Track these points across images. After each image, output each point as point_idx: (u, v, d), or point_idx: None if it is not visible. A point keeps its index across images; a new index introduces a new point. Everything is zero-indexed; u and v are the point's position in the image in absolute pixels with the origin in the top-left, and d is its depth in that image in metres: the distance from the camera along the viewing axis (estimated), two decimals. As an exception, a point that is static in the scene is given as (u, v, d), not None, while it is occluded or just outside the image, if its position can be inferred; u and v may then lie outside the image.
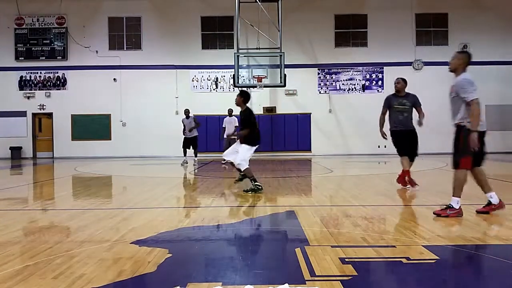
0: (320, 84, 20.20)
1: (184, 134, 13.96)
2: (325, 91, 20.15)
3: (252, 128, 6.90)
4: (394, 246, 3.46)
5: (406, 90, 7.30)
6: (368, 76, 20.15)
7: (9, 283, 2.64)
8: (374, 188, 7.87)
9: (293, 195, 6.70)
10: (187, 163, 13.77)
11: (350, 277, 2.70)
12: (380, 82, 20.05)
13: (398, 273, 2.90)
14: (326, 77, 20.20)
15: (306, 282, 2.63)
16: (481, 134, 4.53)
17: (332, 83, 20.20)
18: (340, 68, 20.17)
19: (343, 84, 20.19)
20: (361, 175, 10.42)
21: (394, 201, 6.02)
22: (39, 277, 2.75)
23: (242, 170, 6.93)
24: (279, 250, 3.64)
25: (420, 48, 19.94)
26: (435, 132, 19.54)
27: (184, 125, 13.90)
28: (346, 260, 3.06)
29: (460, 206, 4.58)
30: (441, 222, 4.38)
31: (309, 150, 19.84)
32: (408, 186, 7.09)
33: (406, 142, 7.12)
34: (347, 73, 20.19)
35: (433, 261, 3.08)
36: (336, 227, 4.26)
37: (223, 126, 13.89)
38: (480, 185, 4.72)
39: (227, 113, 14.15)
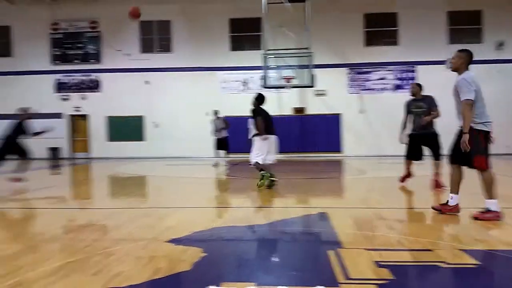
0: (350, 84, 19.96)
1: (215, 135, 14.07)
2: (356, 91, 19.90)
3: (261, 119, 7.60)
4: (430, 250, 3.38)
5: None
6: (399, 75, 19.76)
7: (52, 278, 2.74)
8: (408, 190, 7.71)
9: (325, 197, 6.66)
10: (219, 164, 13.88)
11: (386, 281, 2.66)
12: (412, 81, 19.62)
13: (435, 277, 2.84)
14: (356, 77, 19.94)
15: (340, 285, 2.61)
16: (488, 134, 4.51)
17: (362, 83, 19.91)
18: (371, 68, 19.86)
19: (374, 83, 19.87)
20: (394, 177, 10.22)
21: (430, 204, 5.87)
22: (79, 274, 2.85)
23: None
24: (312, 252, 3.61)
25: (453, 46, 19.31)
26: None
27: (214, 126, 14.02)
28: (382, 263, 3.01)
29: (457, 204, 4.69)
30: (479, 225, 4.25)
31: (340, 151, 19.62)
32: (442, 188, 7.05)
33: (419, 147, 7.42)
34: (378, 72, 19.85)
35: (472, 266, 2.99)
36: (370, 229, 4.19)
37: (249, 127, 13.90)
38: (451, 182, 4.77)
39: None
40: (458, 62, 4.75)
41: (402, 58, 19.60)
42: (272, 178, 7.47)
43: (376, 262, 3.04)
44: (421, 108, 7.37)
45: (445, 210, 4.77)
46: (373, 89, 19.84)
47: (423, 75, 19.51)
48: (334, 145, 19.60)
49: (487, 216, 4.42)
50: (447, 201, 4.81)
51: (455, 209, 4.75)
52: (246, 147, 18.71)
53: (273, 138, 7.72)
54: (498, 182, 4.57)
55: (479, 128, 4.49)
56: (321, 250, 3.68)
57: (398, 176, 8.21)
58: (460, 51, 4.82)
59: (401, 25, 19.69)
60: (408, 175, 7.78)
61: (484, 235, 3.85)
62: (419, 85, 7.65)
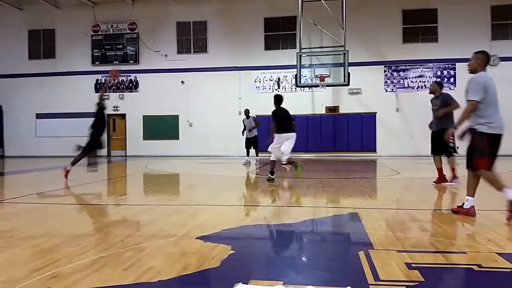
0: (386, 82, 19.55)
1: (244, 134, 14.16)
2: (392, 89, 19.47)
3: (276, 120, 8.44)
4: (464, 253, 3.27)
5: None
6: (439, 73, 19.17)
7: (85, 272, 2.84)
8: (444, 191, 7.48)
9: (357, 197, 6.55)
10: (249, 162, 13.94)
11: (416, 283, 2.59)
12: (452, 79, 18.99)
13: (468, 280, 2.74)
14: (393, 75, 19.51)
15: (370, 286, 2.56)
16: (496, 137, 4.52)
17: (399, 81, 19.46)
18: (409, 65, 19.38)
19: (411, 81, 19.38)
20: (430, 178, 9.94)
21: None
22: (111, 268, 2.93)
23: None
24: (342, 253, 3.57)
25: (496, 42, 18.60)
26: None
27: (244, 125, 14.08)
28: (413, 265, 2.94)
29: (473, 207, 4.70)
30: (519, 229, 4.07)
31: (374, 150, 19.27)
32: (451, 182, 7.48)
33: (436, 143, 7.60)
34: (416, 70, 19.35)
35: (508, 270, 2.87)
36: (403, 231, 4.10)
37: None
38: (467, 185, 4.76)
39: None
40: (475, 64, 4.77)
41: (441, 55, 19.02)
42: (271, 178, 8.45)
43: (407, 264, 2.97)
44: (436, 105, 7.64)
45: (462, 213, 4.76)
46: (410, 87, 19.35)
47: (463, 72, 18.83)
48: (368, 144, 19.27)
49: (460, 210, 4.77)
50: (463, 203, 4.81)
51: (470, 211, 4.71)
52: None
53: (287, 136, 8.42)
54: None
55: (483, 131, 4.50)
56: (351, 250, 3.63)
57: (433, 177, 7.98)
58: (476, 52, 4.82)
59: (440, 21, 19.10)
60: (441, 177, 7.72)
61: (524, 239, 3.69)
62: (438, 83, 7.92)
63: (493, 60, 18.58)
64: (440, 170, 7.70)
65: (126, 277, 2.74)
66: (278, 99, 8.64)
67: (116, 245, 3.56)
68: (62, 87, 21.79)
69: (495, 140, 4.53)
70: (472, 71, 4.78)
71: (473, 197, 4.74)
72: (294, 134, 8.49)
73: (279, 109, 8.59)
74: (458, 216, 4.77)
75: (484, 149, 4.50)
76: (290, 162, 8.64)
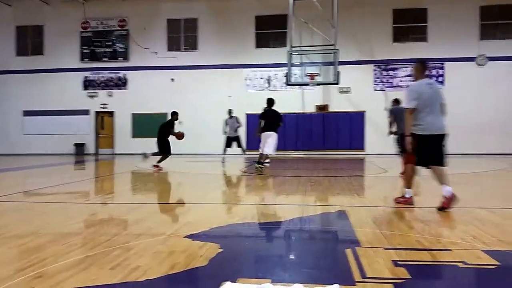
0: (376, 81, 19.66)
1: (225, 133, 14.29)
2: (381, 88, 19.58)
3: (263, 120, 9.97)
4: (450, 250, 3.31)
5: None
6: (428, 72, 19.30)
7: (71, 272, 2.81)
8: (431, 190, 7.55)
9: (345, 195, 6.59)
10: (225, 161, 14.30)
11: (403, 280, 2.62)
12: (441, 79, 19.16)
13: (453, 277, 2.78)
14: (382, 74, 19.63)
15: (357, 283, 2.58)
16: (427, 138, 5.05)
17: (389, 80, 19.58)
18: (398, 64, 19.51)
19: (401, 80, 19.51)
20: (417, 176, 10.03)
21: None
22: (98, 267, 2.91)
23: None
24: (329, 250, 3.60)
25: (485, 42, 18.81)
26: (501, 131, 18.44)
27: (227, 124, 14.22)
28: (399, 262, 2.97)
29: (411, 197, 5.39)
30: (503, 226, 4.13)
31: (363, 149, 19.38)
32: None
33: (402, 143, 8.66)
34: (406, 69, 19.48)
35: (492, 266, 2.91)
36: (390, 229, 4.14)
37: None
38: (436, 179, 5.19)
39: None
40: (414, 73, 5.42)
41: (431, 55, 19.15)
42: (260, 166, 9.85)
43: (394, 261, 3.00)
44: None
45: (402, 202, 5.43)
46: (399, 86, 19.47)
47: (451, 72, 19.05)
48: (357, 143, 19.39)
49: (402, 200, 5.43)
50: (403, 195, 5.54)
51: (409, 201, 5.39)
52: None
53: (268, 134, 9.91)
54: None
55: (414, 132, 5.13)
56: (338, 248, 3.66)
57: (422, 175, 8.05)
58: (416, 62, 5.43)
59: (430, 21, 19.25)
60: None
61: (507, 236, 3.73)
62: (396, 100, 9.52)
63: (481, 60, 18.81)
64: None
65: (113, 276, 2.72)
66: (269, 102, 10.13)
67: (103, 244, 3.53)
68: (50, 84, 21.55)
69: (426, 140, 5.05)
70: (415, 79, 5.37)
71: (411, 188, 5.44)
72: (272, 133, 9.90)
73: (267, 111, 10.08)
74: (444, 214, 4.83)
75: (414, 148, 5.12)
76: (262, 157, 10.04)
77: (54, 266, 2.93)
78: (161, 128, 11.97)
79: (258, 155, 10.21)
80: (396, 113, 9.48)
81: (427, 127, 5.06)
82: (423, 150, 5.08)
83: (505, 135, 18.33)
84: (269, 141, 9.88)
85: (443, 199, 4.93)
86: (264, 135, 9.93)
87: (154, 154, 11.96)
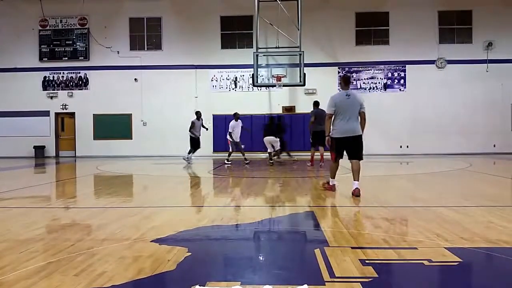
0: (340, 83, 20.01)
1: (194, 134, 14.19)
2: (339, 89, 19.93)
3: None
4: (415, 248, 3.39)
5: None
6: (390, 75, 19.87)
7: (33, 279, 2.69)
8: (396, 189, 7.76)
9: (313, 196, 6.66)
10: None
11: (370, 279, 2.66)
12: (402, 81, 19.74)
13: (419, 275, 2.84)
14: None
15: (326, 283, 2.60)
16: (339, 139, 6.40)
17: (352, 82, 19.98)
18: (361, 67, 19.94)
19: (364, 83, 19.95)
20: (382, 176, 10.28)
21: (416, 203, 5.91)
22: (61, 274, 2.80)
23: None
24: (298, 251, 3.61)
25: (443, 46, 19.54)
26: (460, 132, 19.20)
27: (195, 126, 14.15)
28: (367, 261, 3.02)
29: (334, 184, 6.85)
30: (465, 224, 4.28)
31: (328, 150, 19.65)
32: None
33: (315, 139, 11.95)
34: (368, 71, 19.94)
35: (455, 263, 3.01)
36: (357, 228, 4.21)
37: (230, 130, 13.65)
38: (331, 170, 6.88)
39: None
40: (341, 84, 6.84)
41: (393, 58, 19.73)
42: (271, 161, 13.24)
43: (361, 260, 3.05)
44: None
45: (326, 188, 6.92)
46: (363, 88, 19.91)
47: (413, 74, 19.66)
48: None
49: (327, 186, 6.89)
50: (328, 181, 6.96)
51: (332, 188, 6.81)
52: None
53: (267, 138, 13.21)
54: (487, 182, 4.62)
55: (331, 135, 6.50)
56: (307, 248, 3.69)
57: (385, 174, 8.24)
58: (341, 76, 6.87)
59: (392, 24, 19.79)
60: (313, 161, 12.51)
61: (468, 233, 3.87)
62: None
63: (441, 63, 19.51)
64: (312, 157, 12.57)
65: (77, 282, 2.63)
66: (271, 120, 13.71)
67: (66, 249, 3.41)
68: (7, 84, 20.63)
69: (340, 141, 6.40)
70: (341, 89, 6.81)
71: (334, 178, 6.85)
72: (270, 137, 13.06)
73: (267, 124, 13.60)
74: (409, 212, 4.96)
75: (332, 146, 6.54)
76: (275, 154, 13.64)
77: (13, 274, 2.79)
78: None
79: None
80: (316, 115, 11.39)
81: (339, 131, 6.36)
82: (338, 149, 6.49)
83: (464, 135, 19.10)
84: (273, 144, 13.32)
85: (354, 189, 6.25)
86: (265, 140, 13.29)
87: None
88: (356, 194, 6.16)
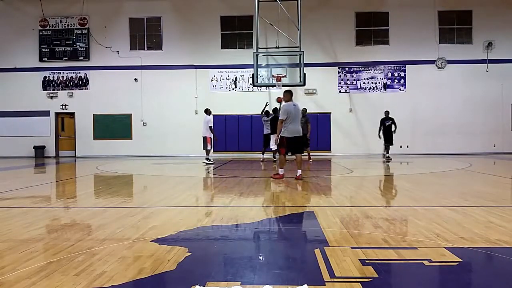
0: (340, 83, 20.02)
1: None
2: (346, 90, 19.96)
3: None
4: (416, 248, 3.40)
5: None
6: (390, 75, 19.87)
7: (33, 279, 2.70)
8: (396, 189, 7.76)
9: (313, 196, 6.66)
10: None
11: (370, 279, 2.66)
12: (402, 81, 19.75)
13: (419, 275, 2.85)
14: (346, 76, 20.00)
15: (326, 283, 2.60)
16: (290, 138, 8.59)
17: (352, 82, 19.98)
18: (361, 67, 19.94)
19: (364, 83, 19.95)
20: (382, 176, 10.29)
21: (417, 202, 5.91)
22: (61, 274, 2.80)
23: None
24: (298, 251, 3.61)
25: (443, 46, 19.55)
26: (460, 132, 19.21)
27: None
28: (367, 261, 3.02)
29: (283, 174, 8.91)
30: (465, 224, 4.29)
31: (329, 150, 19.69)
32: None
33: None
34: (369, 71, 19.94)
35: (455, 263, 3.01)
36: (357, 228, 4.20)
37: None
38: (281, 161, 9.15)
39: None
40: (285, 98, 8.78)
41: (393, 58, 19.74)
42: (274, 159, 14.59)
43: (361, 260, 3.05)
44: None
45: (276, 177, 8.75)
46: (363, 88, 19.92)
47: (413, 74, 19.66)
48: (323, 143, 19.67)
49: (276, 176, 8.78)
50: (278, 172, 9.00)
51: (281, 176, 8.76)
52: (235, 146, 18.99)
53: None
54: (487, 182, 4.62)
55: (282, 135, 8.59)
56: (307, 248, 3.68)
57: (385, 174, 8.25)
58: (284, 92, 8.84)
59: (392, 24, 19.79)
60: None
61: (468, 233, 3.88)
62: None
63: (441, 63, 19.51)
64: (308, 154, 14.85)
65: (77, 282, 2.63)
66: (271, 112, 14.81)
67: (66, 249, 3.41)
68: (8, 84, 20.65)
69: (290, 140, 8.57)
70: (285, 101, 8.74)
71: (283, 168, 8.95)
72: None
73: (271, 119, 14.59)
74: (409, 212, 4.96)
75: (283, 144, 8.64)
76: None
77: (13, 274, 2.80)
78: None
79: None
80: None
81: (289, 131, 8.51)
82: (288, 145, 8.64)
83: (464, 135, 19.11)
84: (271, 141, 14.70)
85: (297, 175, 8.59)
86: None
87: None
88: (299, 178, 8.45)
